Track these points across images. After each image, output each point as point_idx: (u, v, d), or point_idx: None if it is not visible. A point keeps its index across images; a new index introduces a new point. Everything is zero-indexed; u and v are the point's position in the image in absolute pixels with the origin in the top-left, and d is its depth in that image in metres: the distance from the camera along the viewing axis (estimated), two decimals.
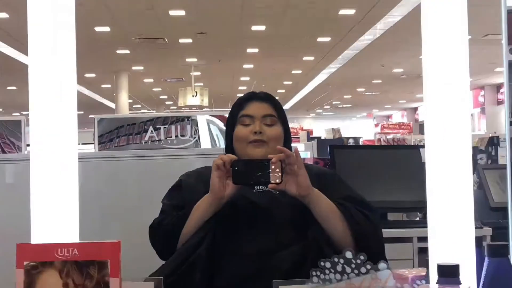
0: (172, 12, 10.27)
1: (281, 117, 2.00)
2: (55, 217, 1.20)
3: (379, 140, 14.15)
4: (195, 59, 15.20)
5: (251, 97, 2.02)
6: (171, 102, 24.04)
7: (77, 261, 1.09)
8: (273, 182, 1.75)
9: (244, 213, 1.85)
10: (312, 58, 15.37)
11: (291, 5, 9.76)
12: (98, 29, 11.39)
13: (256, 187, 1.90)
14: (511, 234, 1.65)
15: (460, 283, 1.03)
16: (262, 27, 11.61)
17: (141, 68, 16.57)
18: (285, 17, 10.60)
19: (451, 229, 1.16)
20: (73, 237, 1.20)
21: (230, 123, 2.02)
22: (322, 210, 1.81)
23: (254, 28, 11.65)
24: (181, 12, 10.28)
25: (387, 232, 2.26)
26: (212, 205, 1.81)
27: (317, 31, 11.98)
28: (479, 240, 1.14)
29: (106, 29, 11.45)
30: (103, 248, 1.09)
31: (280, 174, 1.74)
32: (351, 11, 10.37)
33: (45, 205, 1.19)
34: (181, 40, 12.75)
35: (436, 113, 1.20)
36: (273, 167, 1.75)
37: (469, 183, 1.17)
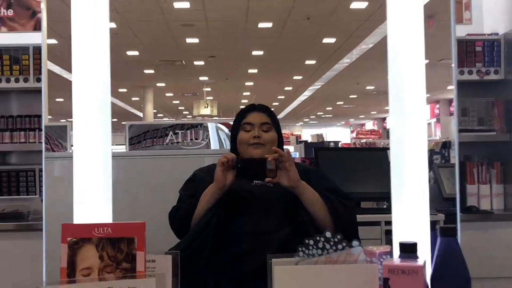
0: (189, 40, 10.28)
1: (275, 125, 2.02)
2: (93, 203, 1.20)
3: (354, 143, 14.12)
4: (206, 78, 15.17)
5: (251, 108, 2.04)
6: (187, 112, 23.97)
7: (110, 238, 1.09)
8: (269, 176, 1.77)
9: (243, 201, 1.86)
10: (300, 77, 15.35)
11: (283, 35, 9.77)
12: (129, 53, 11.36)
13: (255, 181, 1.90)
14: (458, 218, 1.65)
15: (418, 258, 1.03)
16: (261, 52, 11.62)
17: (163, 84, 16.53)
18: (278, 44, 10.59)
19: (411, 215, 1.16)
20: (107, 218, 1.20)
21: (235, 129, 2.03)
22: (309, 199, 1.82)
23: (254, 53, 11.65)
24: (196, 40, 10.29)
25: (360, 217, 2.26)
26: (215, 192, 1.82)
27: (304, 55, 11.98)
28: (433, 224, 1.14)
29: (136, 53, 11.43)
30: (131, 227, 1.09)
31: (275, 169, 1.77)
32: (332, 40, 10.36)
33: (85, 194, 1.19)
34: (196, 63, 12.74)
35: (398, 122, 1.21)
36: (269, 164, 1.77)
37: (425, 179, 1.17)
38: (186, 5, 7.98)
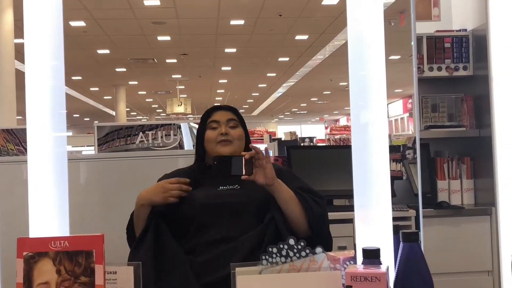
0: (160, 38, 10.21)
1: (241, 122, 2.01)
2: (49, 215, 1.15)
3: (328, 139, 14.19)
4: (179, 76, 15.11)
5: (216, 108, 2.03)
6: (161, 110, 23.84)
7: (68, 251, 1.06)
8: (245, 174, 1.74)
9: (212, 208, 1.83)
10: (274, 74, 15.38)
11: (256, 32, 9.77)
12: (100, 51, 11.25)
13: (221, 186, 1.88)
14: (421, 223, 1.65)
15: (381, 263, 1.03)
16: (234, 50, 11.60)
17: (136, 83, 16.40)
18: (251, 41, 10.60)
19: (373, 219, 1.16)
20: (64, 231, 1.16)
21: (201, 129, 2.01)
22: (284, 197, 1.80)
23: (227, 50, 11.63)
24: (167, 38, 10.23)
25: (333, 215, 2.27)
26: (145, 206, 1.84)
27: (278, 52, 12.00)
28: (396, 228, 1.13)
29: (107, 51, 11.32)
30: (89, 240, 1.06)
31: (251, 167, 1.74)
32: (305, 37, 10.40)
33: (39, 204, 1.14)
34: (168, 60, 12.67)
35: (359, 120, 1.19)
36: (245, 162, 1.75)
37: (387, 184, 1.16)
38: (157, 2, 7.92)
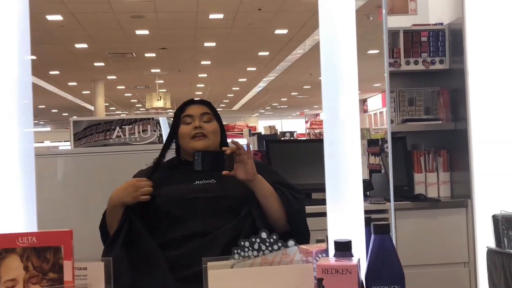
0: (138, 32, 10.12)
1: (216, 116, 1.99)
2: (17, 211, 1.13)
3: (309, 134, 14.25)
4: (158, 70, 15.00)
5: (189, 102, 2.01)
6: (140, 105, 23.68)
7: (35, 247, 1.04)
8: (226, 169, 1.74)
9: (188, 203, 1.82)
10: (254, 68, 15.36)
11: (235, 26, 9.75)
12: (77, 45, 11.11)
13: (196, 181, 1.87)
14: (393, 215, 1.66)
15: (353, 256, 1.03)
16: (213, 44, 11.55)
17: (115, 77, 16.25)
18: (230, 35, 10.56)
19: (346, 211, 1.16)
20: (33, 227, 1.14)
21: (174, 124, 1.99)
22: (264, 192, 1.81)
23: (206, 44, 11.57)
24: (146, 32, 10.14)
25: (312, 208, 2.27)
26: (117, 207, 1.83)
27: (257, 47, 11.98)
28: (368, 220, 1.13)
29: (84, 45, 11.18)
30: (57, 236, 1.04)
31: (232, 162, 1.74)
32: (284, 31, 10.39)
33: (6, 199, 1.12)
34: (147, 55, 12.57)
35: (332, 115, 1.19)
36: (226, 157, 1.74)
37: (358, 176, 1.16)
38: None
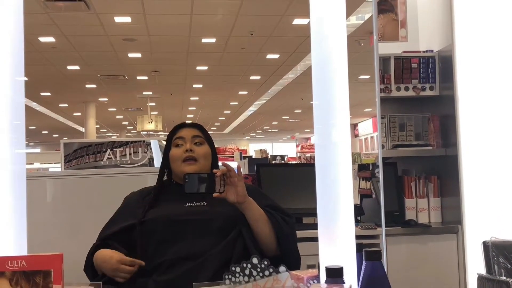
0: (131, 55, 10.16)
1: (208, 140, 1.98)
2: (6, 234, 1.12)
3: (299, 157, 14.26)
4: (150, 93, 15.02)
5: (181, 125, 2.01)
6: (132, 127, 23.64)
7: (25, 271, 1.03)
8: (217, 191, 1.73)
9: (178, 226, 1.80)
10: (246, 92, 15.42)
11: (227, 50, 9.81)
12: (69, 67, 11.12)
13: (187, 203, 1.86)
14: (384, 241, 1.65)
15: (344, 282, 1.02)
16: (205, 67, 11.61)
17: (106, 99, 16.25)
18: (222, 59, 10.63)
19: (337, 237, 1.15)
20: (22, 250, 1.13)
21: (166, 147, 1.99)
22: (254, 215, 1.79)
23: (198, 68, 11.63)
24: (138, 55, 10.18)
25: (302, 233, 2.26)
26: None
27: (249, 71, 12.05)
28: (359, 246, 1.13)
29: (76, 67, 11.20)
30: (47, 260, 1.03)
31: (222, 185, 1.73)
32: (276, 56, 10.47)
33: None
34: (139, 77, 12.60)
35: (323, 139, 1.20)
36: (217, 179, 1.73)
37: (350, 203, 1.16)
38: (127, 19, 7.88)
